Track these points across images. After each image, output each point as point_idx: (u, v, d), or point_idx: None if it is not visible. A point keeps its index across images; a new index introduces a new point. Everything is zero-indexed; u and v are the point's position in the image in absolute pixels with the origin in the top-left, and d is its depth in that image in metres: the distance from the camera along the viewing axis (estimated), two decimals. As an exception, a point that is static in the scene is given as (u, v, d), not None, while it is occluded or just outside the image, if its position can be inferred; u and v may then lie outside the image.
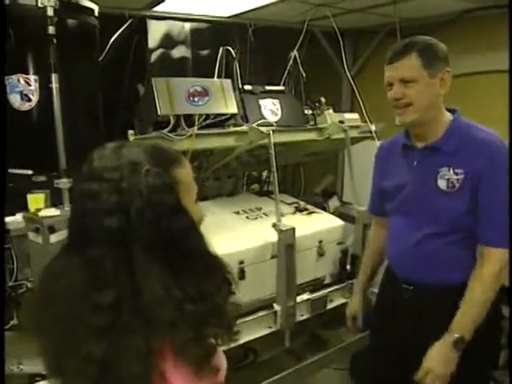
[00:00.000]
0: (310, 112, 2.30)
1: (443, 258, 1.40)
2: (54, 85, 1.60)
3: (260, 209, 2.32)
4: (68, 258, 0.74)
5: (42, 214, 1.53)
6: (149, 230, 0.69)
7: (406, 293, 1.49)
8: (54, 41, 1.58)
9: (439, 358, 1.34)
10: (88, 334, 0.68)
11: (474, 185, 1.32)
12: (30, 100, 1.64)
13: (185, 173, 0.79)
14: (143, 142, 0.85)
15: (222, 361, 0.79)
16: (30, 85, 1.63)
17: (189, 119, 1.84)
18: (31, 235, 1.54)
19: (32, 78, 1.64)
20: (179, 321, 0.69)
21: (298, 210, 2.35)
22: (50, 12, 1.56)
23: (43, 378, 1.47)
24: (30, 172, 1.67)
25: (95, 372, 0.67)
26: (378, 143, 2.36)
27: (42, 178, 1.66)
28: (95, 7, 1.83)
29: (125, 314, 0.68)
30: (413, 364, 1.38)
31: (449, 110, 1.42)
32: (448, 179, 1.35)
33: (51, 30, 1.57)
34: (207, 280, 0.75)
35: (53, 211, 1.55)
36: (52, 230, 1.48)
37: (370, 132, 2.36)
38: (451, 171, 1.34)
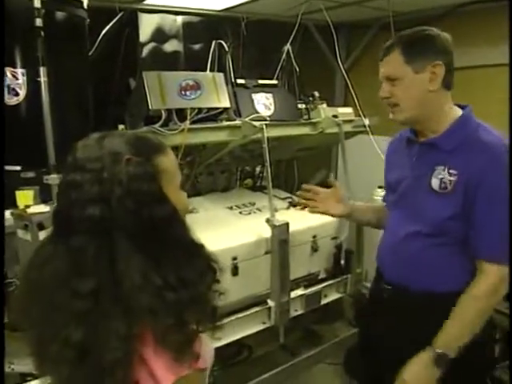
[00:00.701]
0: (304, 106, 2.28)
1: (424, 260, 1.34)
2: (42, 78, 1.57)
3: (253, 204, 2.30)
4: (52, 247, 0.76)
5: (30, 210, 1.50)
6: (130, 218, 0.71)
7: (386, 292, 1.45)
8: (42, 33, 1.54)
9: (417, 373, 1.27)
10: (68, 319, 0.70)
11: (468, 189, 1.23)
12: (17, 94, 1.61)
13: (168, 161, 0.80)
14: (126, 132, 0.85)
15: (206, 348, 0.79)
16: (17, 78, 1.60)
17: (181, 113, 1.81)
18: (20, 232, 1.51)
19: (19, 71, 1.60)
20: (159, 308, 0.70)
21: (292, 205, 2.33)
22: (37, 4, 1.53)
23: (34, 377, 1.45)
24: (18, 168, 1.64)
25: (74, 356, 0.68)
26: (371, 137, 2.37)
27: (30, 174, 1.63)
28: (84, -1, 1.80)
29: (104, 300, 0.70)
30: (387, 366, 1.37)
31: (460, 107, 1.34)
32: (441, 179, 1.28)
33: (38, 22, 1.53)
34: (189, 268, 0.76)
35: (42, 208, 1.52)
36: (41, 226, 1.45)
37: (364, 126, 2.34)
38: (446, 171, 1.27)
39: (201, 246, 0.81)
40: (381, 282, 1.48)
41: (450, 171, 1.26)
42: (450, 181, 1.26)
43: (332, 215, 1.69)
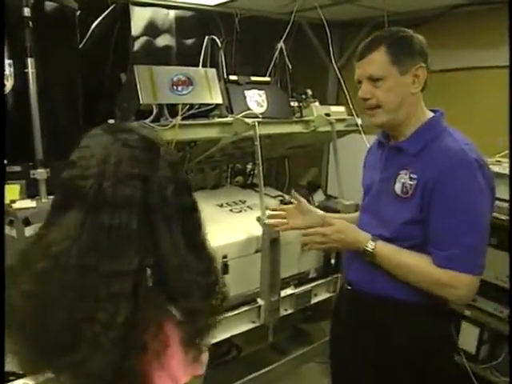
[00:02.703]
0: (296, 104, 2.27)
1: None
2: (30, 70, 1.52)
3: (244, 202, 2.29)
4: (79, 223, 0.69)
5: (16, 205, 1.46)
6: (171, 201, 0.73)
7: (347, 292, 1.47)
8: (30, 24, 1.50)
9: (345, 232, 1.33)
10: (107, 299, 0.67)
11: (425, 195, 1.21)
12: (4, 85, 1.56)
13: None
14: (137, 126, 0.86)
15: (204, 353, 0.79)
16: (3, 70, 1.55)
17: (172, 109, 1.79)
18: (6, 228, 1.47)
19: (6, 62, 1.56)
20: (193, 291, 0.73)
21: (283, 203, 2.32)
22: (26, -7, 1.49)
23: (18, 376, 1.41)
24: (4, 162, 1.59)
25: (117, 336, 0.66)
26: (363, 137, 2.36)
27: (16, 169, 1.59)
28: (74, -10, 1.76)
29: (145, 281, 0.70)
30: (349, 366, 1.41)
31: (434, 111, 1.33)
32: (403, 183, 1.26)
33: (26, 11, 1.49)
34: (207, 256, 0.80)
35: (28, 203, 1.49)
36: (27, 222, 1.42)
37: (356, 125, 2.34)
38: (407, 175, 1.26)
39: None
40: (345, 282, 1.50)
41: (411, 175, 1.25)
42: (411, 185, 1.25)
43: (298, 228, 1.66)
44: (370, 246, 1.29)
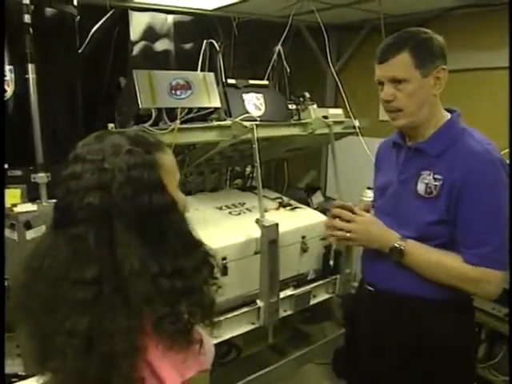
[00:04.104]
0: (294, 107, 2.28)
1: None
2: (31, 75, 1.55)
3: (243, 204, 2.30)
4: (53, 240, 0.75)
5: (17, 209, 1.48)
6: (128, 205, 0.72)
7: (367, 293, 1.46)
8: (30, 30, 1.53)
9: (374, 224, 1.33)
10: (71, 309, 0.70)
11: (452, 195, 1.23)
12: (5, 91, 1.58)
13: (167, 158, 0.81)
14: (126, 130, 0.85)
15: (208, 347, 0.81)
16: (4, 75, 1.58)
17: (171, 113, 1.81)
18: (7, 231, 1.48)
19: (7, 68, 1.58)
20: (155, 296, 0.72)
21: (282, 205, 2.34)
22: (26, 0, 1.51)
23: (20, 378, 1.43)
24: (5, 166, 1.61)
25: (80, 346, 0.69)
26: (361, 139, 2.38)
27: (17, 173, 1.61)
28: (74, -4, 1.78)
29: (106, 289, 0.71)
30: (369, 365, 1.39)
31: (449, 111, 1.33)
32: (427, 184, 1.27)
33: (27, 18, 1.51)
34: (186, 259, 0.77)
35: (29, 206, 1.51)
36: (28, 225, 1.44)
37: (354, 128, 2.35)
38: (431, 176, 1.27)
39: (199, 240, 0.82)
40: (364, 283, 1.49)
41: (435, 176, 1.26)
42: (435, 186, 1.26)
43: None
44: (401, 243, 1.29)
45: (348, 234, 1.36)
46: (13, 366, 1.41)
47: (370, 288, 1.45)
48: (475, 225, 1.23)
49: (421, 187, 1.29)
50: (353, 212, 1.37)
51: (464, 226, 1.24)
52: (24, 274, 0.79)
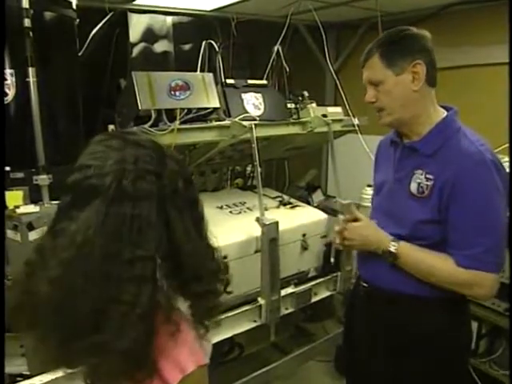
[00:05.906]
0: (293, 106, 2.29)
1: None
2: (31, 79, 1.56)
3: (244, 203, 2.31)
4: (92, 215, 0.73)
5: (20, 210, 1.50)
6: (178, 194, 0.79)
7: (362, 290, 1.47)
8: (30, 34, 1.54)
9: (368, 235, 1.36)
10: (128, 284, 0.72)
11: (443, 195, 1.23)
12: (6, 94, 1.60)
13: None
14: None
15: (206, 343, 0.84)
16: (5, 79, 1.59)
17: (170, 114, 1.82)
18: (9, 233, 1.50)
19: (8, 72, 1.60)
20: (203, 275, 0.81)
21: (282, 203, 2.35)
22: (26, 4, 1.53)
23: (25, 378, 1.44)
24: (7, 168, 1.63)
25: (143, 313, 0.72)
26: (360, 137, 2.39)
27: (20, 175, 1.63)
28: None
29: (162, 265, 0.77)
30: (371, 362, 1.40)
31: (446, 109, 1.33)
32: (419, 183, 1.27)
33: (27, 22, 1.53)
34: (210, 246, 0.87)
35: (31, 208, 1.52)
36: (31, 227, 1.45)
37: (353, 126, 2.36)
38: (423, 175, 1.27)
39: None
40: (359, 280, 1.51)
41: (427, 176, 1.26)
42: (427, 185, 1.26)
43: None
44: (393, 246, 1.30)
45: (346, 243, 1.43)
46: (22, 365, 1.43)
47: (364, 284, 1.47)
48: (464, 226, 1.22)
49: (413, 186, 1.30)
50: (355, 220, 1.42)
51: (454, 227, 1.24)
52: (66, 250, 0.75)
